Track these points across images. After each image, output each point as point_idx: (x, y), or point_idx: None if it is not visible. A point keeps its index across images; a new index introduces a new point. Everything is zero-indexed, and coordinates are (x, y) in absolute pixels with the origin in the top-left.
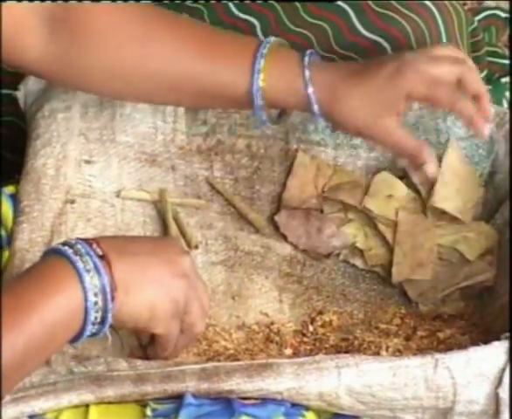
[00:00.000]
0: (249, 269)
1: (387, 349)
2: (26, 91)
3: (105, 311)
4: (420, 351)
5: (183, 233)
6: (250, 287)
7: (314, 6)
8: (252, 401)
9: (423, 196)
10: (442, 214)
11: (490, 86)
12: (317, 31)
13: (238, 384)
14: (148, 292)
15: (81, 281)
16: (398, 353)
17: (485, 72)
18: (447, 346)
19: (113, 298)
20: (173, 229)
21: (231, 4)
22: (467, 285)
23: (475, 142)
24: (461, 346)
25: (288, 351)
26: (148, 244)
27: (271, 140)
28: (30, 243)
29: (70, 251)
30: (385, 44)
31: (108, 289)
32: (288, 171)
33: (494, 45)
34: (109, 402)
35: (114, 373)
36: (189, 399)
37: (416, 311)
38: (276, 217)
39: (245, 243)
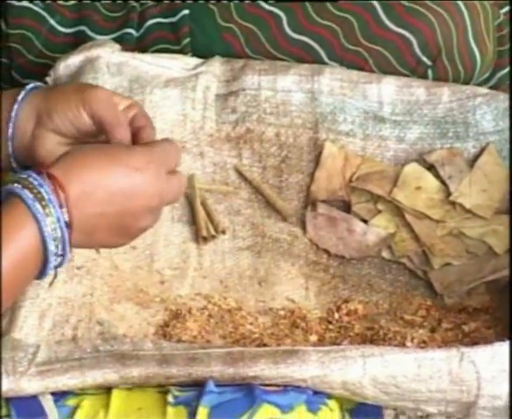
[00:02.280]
0: (276, 255)
1: (412, 340)
2: (55, 77)
3: (63, 244)
4: (445, 343)
5: (210, 218)
6: (276, 273)
7: None
8: (274, 389)
9: (450, 189)
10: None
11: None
12: (344, 24)
13: (262, 370)
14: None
15: (38, 224)
16: (423, 344)
17: (509, 67)
18: (472, 340)
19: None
20: (201, 214)
21: None
22: (493, 278)
23: (504, 137)
24: (486, 340)
25: (314, 337)
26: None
27: (300, 130)
28: None
29: (30, 196)
30: (412, 39)
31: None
32: (317, 161)
33: None
34: (131, 389)
35: (140, 352)
36: (210, 386)
37: (441, 303)
38: (308, 227)
39: (272, 230)
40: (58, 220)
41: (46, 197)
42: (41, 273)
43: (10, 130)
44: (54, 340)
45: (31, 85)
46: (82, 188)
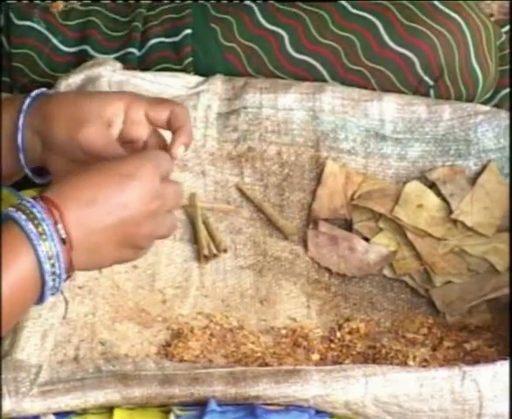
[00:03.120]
0: (277, 274)
1: (414, 359)
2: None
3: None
4: (447, 361)
5: (212, 237)
6: (278, 292)
7: (343, 18)
8: (276, 408)
9: (451, 207)
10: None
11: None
12: (345, 44)
13: (264, 390)
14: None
15: (32, 244)
16: (425, 362)
17: None
18: (474, 358)
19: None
20: (202, 233)
21: (259, 15)
22: (495, 296)
23: (505, 154)
24: (488, 359)
25: (316, 356)
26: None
27: (301, 148)
28: None
29: (23, 218)
30: (414, 58)
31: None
32: (318, 179)
33: None
34: (133, 408)
35: (142, 372)
36: (212, 405)
37: (443, 321)
38: (309, 245)
39: (273, 248)
40: (53, 238)
41: (39, 216)
42: (41, 296)
43: (20, 140)
44: (56, 361)
45: (35, 93)
46: (78, 206)
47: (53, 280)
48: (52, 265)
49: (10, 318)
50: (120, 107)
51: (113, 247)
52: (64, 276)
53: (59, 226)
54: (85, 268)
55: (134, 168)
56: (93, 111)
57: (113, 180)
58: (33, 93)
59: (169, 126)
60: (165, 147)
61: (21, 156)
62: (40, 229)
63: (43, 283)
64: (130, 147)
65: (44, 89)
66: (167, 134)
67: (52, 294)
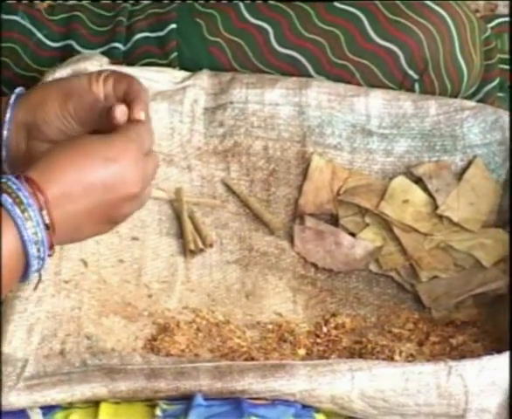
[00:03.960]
0: (263, 269)
1: (400, 354)
2: None
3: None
4: (433, 356)
5: (198, 232)
6: (264, 287)
7: (327, 12)
8: (262, 402)
9: (437, 203)
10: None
11: (503, 94)
12: (330, 38)
13: (250, 384)
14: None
15: (18, 228)
16: (411, 357)
17: (497, 80)
18: (460, 353)
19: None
20: (188, 227)
21: (244, 10)
22: (481, 292)
23: (491, 150)
24: (474, 354)
25: (302, 351)
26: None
27: (287, 143)
28: None
29: (9, 201)
30: (399, 52)
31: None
32: (304, 174)
33: (507, 52)
34: (119, 402)
35: (128, 366)
36: (198, 400)
37: (429, 316)
38: (296, 240)
39: (259, 243)
40: (38, 223)
41: (25, 201)
42: (24, 276)
43: (6, 133)
44: (42, 355)
45: (19, 90)
46: (61, 188)
47: (38, 263)
48: (38, 250)
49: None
50: (100, 82)
51: (92, 226)
52: (46, 259)
53: (44, 212)
54: (61, 244)
55: (118, 152)
56: (80, 84)
57: (97, 163)
58: (17, 90)
59: (125, 97)
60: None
61: (3, 151)
62: (26, 214)
63: (27, 265)
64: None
65: (22, 88)
66: None
67: (34, 273)
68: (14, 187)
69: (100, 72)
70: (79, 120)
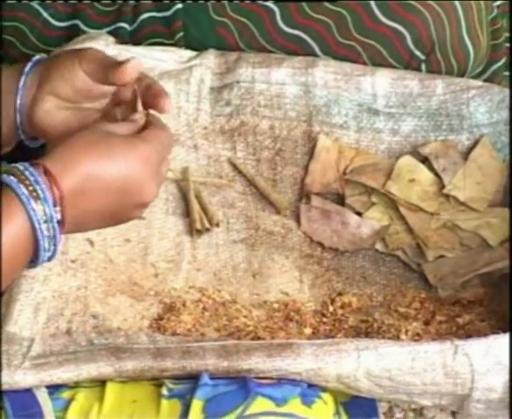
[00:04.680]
0: (270, 248)
1: (406, 333)
2: None
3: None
4: (439, 336)
5: (204, 211)
6: (270, 266)
7: None
8: (268, 382)
9: (444, 182)
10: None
11: (508, 73)
12: (337, 18)
13: (257, 363)
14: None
15: (31, 221)
16: (417, 336)
17: (504, 60)
18: (466, 332)
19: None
20: (195, 207)
21: None
22: (487, 271)
23: (498, 129)
24: (480, 333)
25: (308, 330)
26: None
27: (294, 123)
28: None
29: (26, 193)
30: (405, 33)
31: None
32: (311, 153)
33: None
34: (125, 382)
35: (134, 346)
36: (204, 379)
37: (435, 295)
38: (302, 220)
39: (266, 223)
40: (51, 219)
41: (42, 196)
42: (31, 263)
43: (19, 101)
44: (49, 334)
45: (38, 57)
46: (77, 185)
47: (45, 256)
48: (49, 243)
49: (5, 276)
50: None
51: (98, 224)
52: (56, 253)
53: (57, 208)
54: (66, 233)
55: (140, 161)
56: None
57: (118, 167)
58: (35, 58)
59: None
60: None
61: (17, 117)
62: (41, 208)
63: (36, 255)
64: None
65: (44, 55)
66: None
67: (49, 259)
68: (32, 178)
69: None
70: (88, 68)
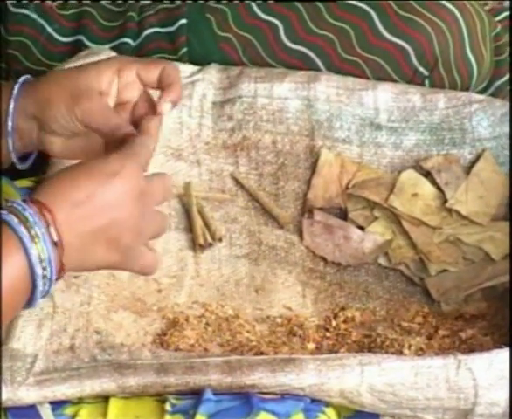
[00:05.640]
0: (273, 263)
1: (409, 347)
2: None
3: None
4: (442, 350)
5: (207, 226)
6: (273, 281)
7: (338, 8)
8: (272, 397)
9: (446, 196)
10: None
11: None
12: (340, 34)
13: (260, 379)
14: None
15: (24, 247)
16: (421, 351)
17: (507, 76)
18: (469, 347)
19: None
20: (198, 222)
21: (254, 6)
22: (490, 285)
23: (500, 143)
24: (483, 347)
25: (311, 345)
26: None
27: (296, 137)
28: None
29: (15, 221)
30: (409, 49)
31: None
32: (313, 168)
33: None
34: (128, 397)
35: (138, 361)
36: (208, 394)
37: (438, 310)
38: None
39: (268, 237)
40: (45, 241)
41: (31, 219)
42: (31, 299)
43: (10, 124)
44: (52, 350)
45: (24, 79)
46: (68, 207)
47: (44, 284)
48: (44, 269)
49: (4, 316)
50: (112, 75)
51: (102, 249)
52: (54, 278)
53: (52, 229)
54: (74, 269)
55: (117, 167)
56: (88, 84)
57: (98, 180)
58: (21, 80)
59: (159, 84)
60: (154, 109)
61: (9, 141)
62: (33, 232)
63: (33, 286)
64: (122, 109)
65: (28, 76)
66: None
67: (43, 297)
68: (20, 207)
69: (109, 64)
70: (87, 125)
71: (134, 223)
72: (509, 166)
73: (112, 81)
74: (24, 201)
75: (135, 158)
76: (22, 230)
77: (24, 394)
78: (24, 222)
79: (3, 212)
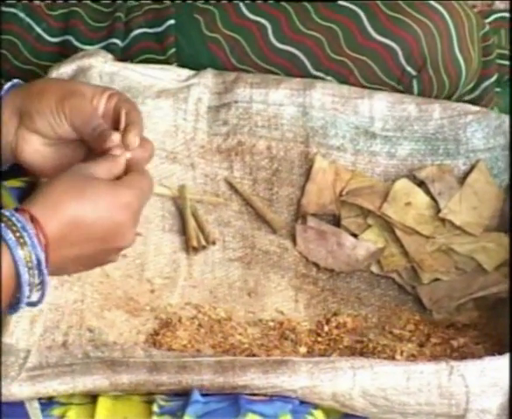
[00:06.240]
0: (265, 267)
1: (401, 353)
2: None
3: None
4: (434, 357)
5: (201, 229)
6: (266, 285)
7: (326, 8)
8: (260, 398)
9: (440, 206)
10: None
11: (499, 89)
12: (328, 34)
13: (252, 379)
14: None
15: (16, 266)
16: (412, 357)
17: (495, 77)
18: (461, 355)
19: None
20: (191, 224)
21: (242, 6)
22: (482, 295)
23: (495, 155)
24: (475, 356)
25: (303, 349)
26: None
27: (291, 143)
28: None
29: (9, 234)
30: (397, 49)
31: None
32: (307, 174)
33: (504, 48)
34: (116, 398)
35: (130, 359)
36: (195, 396)
37: (430, 318)
38: (298, 240)
39: (262, 242)
40: (39, 265)
41: (29, 242)
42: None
43: None
44: (45, 346)
45: (9, 84)
46: (61, 231)
47: (26, 303)
48: (30, 290)
49: None
50: (103, 92)
51: (76, 268)
52: (44, 298)
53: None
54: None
55: (123, 208)
56: (81, 88)
57: (101, 214)
58: (7, 86)
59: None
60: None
61: None
62: (28, 255)
63: (18, 299)
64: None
65: (16, 81)
66: None
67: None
68: (19, 225)
69: (105, 89)
70: (72, 124)
71: (117, 254)
72: (509, 177)
73: (100, 97)
74: (21, 213)
75: (140, 201)
76: (19, 253)
77: (16, 389)
78: (22, 244)
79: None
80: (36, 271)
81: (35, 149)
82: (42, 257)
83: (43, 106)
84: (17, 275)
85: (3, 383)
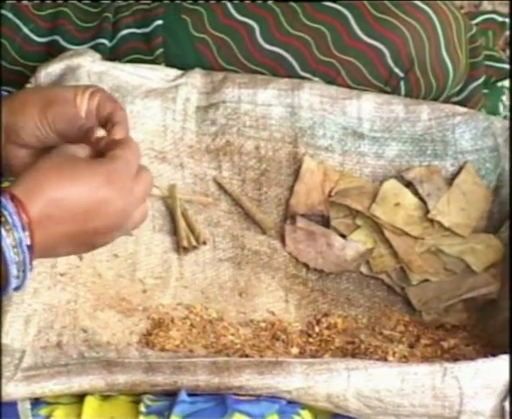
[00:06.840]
0: (256, 268)
1: (394, 355)
2: (36, 84)
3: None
4: (425, 359)
5: (191, 229)
6: (257, 285)
7: (314, 9)
8: (247, 398)
9: (428, 207)
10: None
11: (487, 90)
12: (316, 35)
13: (247, 380)
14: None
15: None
16: (404, 359)
17: (483, 78)
18: (452, 356)
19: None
20: (181, 224)
21: (230, 7)
22: (471, 296)
23: (482, 156)
24: (466, 357)
25: (295, 350)
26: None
27: (279, 144)
28: None
29: None
30: (384, 50)
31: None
32: (296, 175)
33: (491, 49)
34: (103, 398)
35: (126, 360)
36: (182, 396)
37: (419, 319)
38: (287, 240)
39: (251, 242)
40: (21, 244)
41: (10, 221)
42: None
43: None
44: (40, 346)
45: None
46: (44, 208)
47: (15, 283)
48: (18, 270)
49: None
50: (84, 92)
51: (70, 248)
52: (27, 279)
53: (26, 233)
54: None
55: (104, 181)
56: (64, 94)
57: (81, 189)
58: None
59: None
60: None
61: None
62: (10, 234)
63: (6, 283)
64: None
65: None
66: None
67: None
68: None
69: (87, 87)
70: (57, 130)
71: (111, 233)
72: (509, 175)
73: (83, 95)
74: (2, 194)
75: (124, 171)
76: (2, 232)
77: (12, 389)
78: (4, 223)
79: None
80: (19, 250)
81: (24, 163)
82: (23, 235)
83: (26, 119)
84: (3, 254)
85: None
